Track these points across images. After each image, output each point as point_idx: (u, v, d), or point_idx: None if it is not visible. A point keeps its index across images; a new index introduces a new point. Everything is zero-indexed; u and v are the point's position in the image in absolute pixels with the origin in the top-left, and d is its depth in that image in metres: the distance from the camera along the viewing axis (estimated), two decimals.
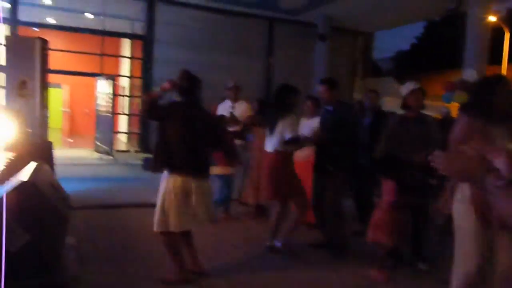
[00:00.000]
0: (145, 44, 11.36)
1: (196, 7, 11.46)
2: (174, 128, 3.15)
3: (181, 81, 3.26)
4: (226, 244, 4.29)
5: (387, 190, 3.57)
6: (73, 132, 14.55)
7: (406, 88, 3.80)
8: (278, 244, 4.04)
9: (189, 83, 3.27)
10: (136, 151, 11.17)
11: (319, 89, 4.11)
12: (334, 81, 4.19)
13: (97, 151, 10.73)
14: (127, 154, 10.94)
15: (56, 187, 2.41)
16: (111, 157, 10.11)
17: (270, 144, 4.02)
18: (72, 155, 9.93)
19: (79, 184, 6.52)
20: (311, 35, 12.56)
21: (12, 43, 4.97)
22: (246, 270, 3.64)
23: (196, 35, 11.58)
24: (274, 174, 3.97)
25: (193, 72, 3.39)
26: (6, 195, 1.79)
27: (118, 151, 10.92)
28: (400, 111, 3.97)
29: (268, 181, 4.04)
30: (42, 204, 1.93)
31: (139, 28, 11.51)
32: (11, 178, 2.39)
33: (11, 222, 1.67)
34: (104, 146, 10.52)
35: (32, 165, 2.35)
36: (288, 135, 3.85)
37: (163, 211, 3.14)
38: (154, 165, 3.17)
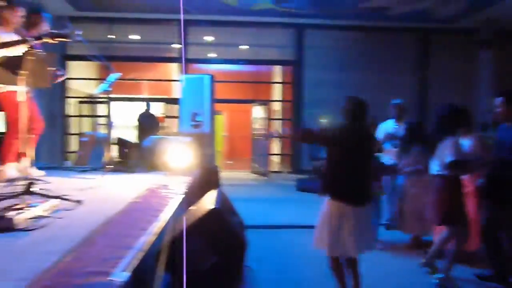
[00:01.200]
0: (295, 68, 11.80)
1: (344, 27, 11.48)
2: (340, 153, 3.18)
3: (347, 106, 3.29)
4: (387, 273, 4.08)
5: None
6: (231, 154, 15.80)
7: None
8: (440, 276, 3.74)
9: (354, 108, 3.27)
10: (289, 172, 11.55)
11: (495, 103, 3.65)
12: None
13: (253, 172, 11.43)
14: (280, 175, 11.39)
15: (233, 212, 2.64)
16: (266, 178, 10.65)
17: (434, 167, 3.78)
18: (232, 177, 10.76)
19: (239, 204, 7.00)
20: (473, 42, 11.40)
21: (187, 80, 5.70)
22: None
23: (345, 55, 11.58)
24: (437, 199, 3.69)
25: (345, 93, 3.42)
26: (196, 221, 2.04)
27: (272, 172, 11.45)
28: None
29: (431, 207, 3.79)
30: (226, 229, 2.14)
31: (288, 54, 12.02)
32: (195, 203, 2.70)
33: (201, 245, 1.90)
34: (259, 168, 11.15)
35: (213, 192, 2.62)
36: (449, 158, 3.53)
37: (321, 232, 3.19)
38: (321, 189, 3.22)
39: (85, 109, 12.21)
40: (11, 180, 3.85)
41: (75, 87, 11.79)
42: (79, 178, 4.53)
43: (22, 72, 3.64)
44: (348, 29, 11.54)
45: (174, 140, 5.12)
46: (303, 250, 4.43)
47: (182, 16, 7.22)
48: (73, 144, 11.44)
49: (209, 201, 2.38)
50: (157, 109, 11.62)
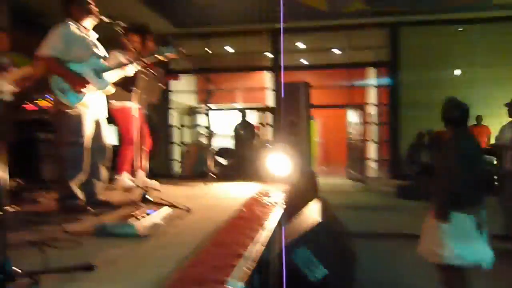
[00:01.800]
0: (391, 70, 11.31)
1: (442, 22, 10.74)
2: (451, 164, 2.97)
3: (449, 111, 3.07)
4: None
5: None
6: (326, 160, 15.61)
7: None
8: None
9: (458, 112, 3.04)
10: (387, 178, 11.06)
11: None
12: None
13: (350, 178, 11.14)
14: (378, 181, 10.95)
15: (339, 223, 2.59)
16: (363, 185, 10.32)
17: None
18: (327, 183, 10.60)
19: (336, 212, 6.86)
20: None
21: (282, 88, 5.76)
22: None
23: (446, 52, 10.80)
24: None
25: (448, 93, 3.19)
26: (304, 233, 2.03)
27: (369, 178, 11.06)
28: None
29: None
30: (335, 242, 2.10)
31: (383, 54, 11.56)
32: (298, 212, 2.70)
33: (312, 257, 1.89)
34: (356, 174, 10.84)
35: (317, 202, 2.59)
36: None
37: (430, 243, 2.99)
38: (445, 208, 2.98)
39: (186, 119, 12.97)
40: (127, 189, 4.23)
41: (176, 99, 12.60)
42: (185, 187, 4.81)
43: (135, 89, 3.98)
44: (448, 23, 10.76)
45: (272, 148, 5.19)
46: (409, 261, 4.18)
47: (282, 25, 7.36)
48: (176, 153, 12.21)
49: (314, 212, 2.36)
50: (252, 118, 11.93)
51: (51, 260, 1.88)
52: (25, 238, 2.24)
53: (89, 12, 3.25)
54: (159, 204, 3.18)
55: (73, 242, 2.26)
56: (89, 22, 3.32)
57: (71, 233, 2.48)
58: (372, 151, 13.15)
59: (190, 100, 13.20)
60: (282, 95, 5.58)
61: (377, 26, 11.20)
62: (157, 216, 2.72)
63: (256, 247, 2.12)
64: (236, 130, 9.39)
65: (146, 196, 3.19)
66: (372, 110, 13.29)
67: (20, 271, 1.61)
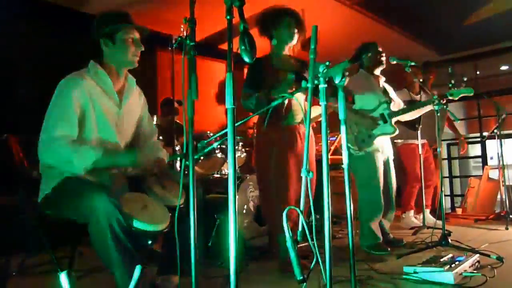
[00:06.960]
0: None
1: None
2: None
3: None
4: None
5: None
6: None
7: None
8: None
9: None
10: None
11: None
12: None
13: None
14: None
15: None
16: None
17: None
18: None
19: None
20: None
21: None
22: None
23: None
24: None
25: None
26: None
27: None
28: None
29: None
30: None
31: None
32: None
33: None
34: None
35: None
36: None
37: None
38: None
39: (453, 150, 11.98)
40: (413, 227, 4.12)
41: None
42: (476, 228, 4.34)
43: (420, 126, 3.91)
44: None
45: None
46: None
47: None
48: (447, 188, 11.32)
49: None
50: None
51: None
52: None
53: (380, 63, 3.41)
54: (460, 249, 2.95)
55: (388, 282, 2.31)
56: (379, 69, 3.47)
57: (381, 272, 2.55)
58: None
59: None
60: None
61: None
62: (468, 263, 2.50)
63: None
64: None
65: (448, 239, 3.01)
66: None
67: None
